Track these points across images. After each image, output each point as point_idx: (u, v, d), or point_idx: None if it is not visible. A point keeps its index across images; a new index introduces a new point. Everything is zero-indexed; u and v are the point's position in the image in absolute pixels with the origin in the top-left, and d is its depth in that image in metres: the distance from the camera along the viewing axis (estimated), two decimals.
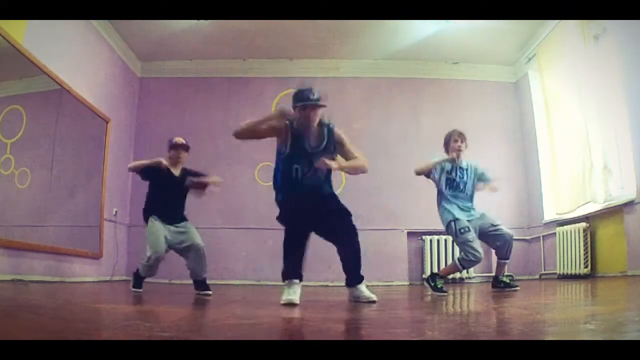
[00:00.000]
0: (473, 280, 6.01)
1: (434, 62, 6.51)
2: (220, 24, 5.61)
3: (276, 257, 6.54)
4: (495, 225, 3.62)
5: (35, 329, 1.30)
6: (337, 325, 1.65)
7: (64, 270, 4.66)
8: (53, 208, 4.66)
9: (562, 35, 5.17)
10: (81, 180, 5.24)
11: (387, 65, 6.56)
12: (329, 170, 2.83)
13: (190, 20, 5.38)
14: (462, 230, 3.46)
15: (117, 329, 1.39)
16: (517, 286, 3.63)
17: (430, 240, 6.00)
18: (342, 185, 6.35)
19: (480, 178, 3.78)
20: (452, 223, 3.54)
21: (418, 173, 3.83)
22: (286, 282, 2.64)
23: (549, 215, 5.75)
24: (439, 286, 3.46)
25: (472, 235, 3.44)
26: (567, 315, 1.84)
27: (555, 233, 5.38)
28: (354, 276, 2.76)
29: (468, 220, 3.55)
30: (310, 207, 2.68)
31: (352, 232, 2.78)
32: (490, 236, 3.61)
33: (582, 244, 4.77)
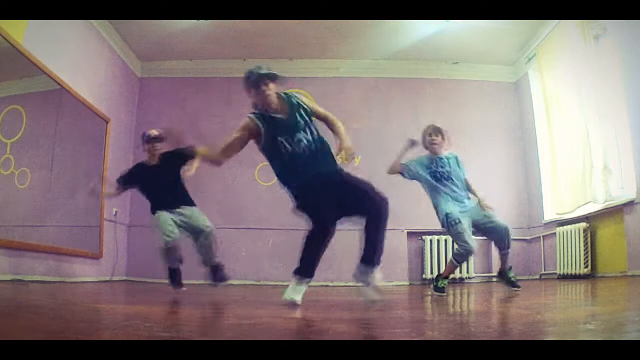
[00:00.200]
0: (473, 280, 6.01)
1: (434, 62, 6.51)
2: (220, 24, 5.61)
3: (276, 257, 6.55)
4: (489, 217, 3.52)
5: (35, 329, 1.30)
6: (337, 325, 1.65)
7: (64, 270, 4.66)
8: (53, 208, 4.66)
9: (562, 35, 5.17)
10: (81, 180, 5.24)
11: (387, 65, 6.56)
12: (328, 148, 2.72)
13: (190, 20, 5.38)
14: (453, 223, 3.41)
15: (117, 329, 1.39)
16: (519, 287, 3.61)
17: (430, 240, 6.00)
18: None
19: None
20: (445, 217, 3.50)
21: (389, 172, 3.83)
22: (296, 277, 2.49)
23: (549, 215, 5.75)
24: (440, 286, 3.46)
25: (462, 227, 3.38)
26: (567, 315, 1.84)
27: (555, 233, 5.38)
28: (365, 257, 2.57)
29: (461, 212, 3.48)
30: (330, 184, 2.55)
31: (379, 206, 2.56)
32: (485, 229, 3.55)
33: (582, 244, 4.77)
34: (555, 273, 5.30)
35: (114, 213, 5.82)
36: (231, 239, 6.06)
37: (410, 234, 6.16)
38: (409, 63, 6.54)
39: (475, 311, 2.24)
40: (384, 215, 2.52)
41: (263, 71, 2.60)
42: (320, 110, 2.84)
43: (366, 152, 6.41)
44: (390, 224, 5.96)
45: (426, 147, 3.75)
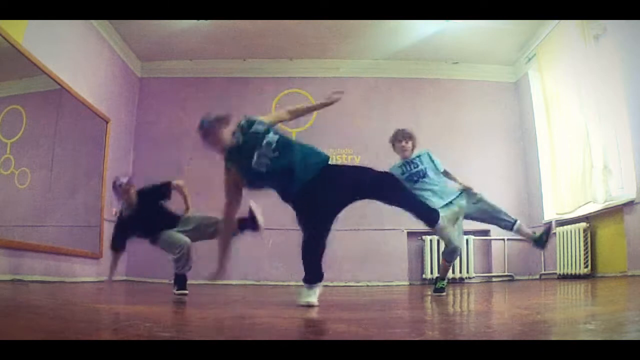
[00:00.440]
0: (473, 280, 6.01)
1: (434, 62, 6.51)
2: (220, 24, 5.62)
3: (276, 257, 6.55)
4: (476, 203, 3.51)
5: (35, 329, 1.30)
6: (337, 325, 1.65)
7: (64, 270, 4.66)
8: (53, 208, 4.66)
9: (562, 35, 5.17)
10: (81, 180, 5.24)
11: (387, 65, 6.56)
12: (305, 151, 2.63)
13: (190, 20, 5.38)
14: None
15: (117, 329, 1.39)
16: (546, 241, 3.45)
17: (431, 240, 6.00)
18: None
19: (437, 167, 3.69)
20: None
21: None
22: (307, 285, 2.49)
23: (549, 215, 5.75)
24: (438, 287, 3.47)
25: (443, 224, 3.36)
26: (567, 315, 1.84)
27: (555, 233, 5.38)
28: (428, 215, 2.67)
29: (446, 205, 3.41)
30: (320, 186, 2.49)
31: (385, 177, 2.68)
32: (479, 216, 3.53)
33: (582, 244, 4.77)
34: (555, 273, 5.30)
35: (114, 213, 5.82)
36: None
37: (410, 234, 6.16)
38: (409, 63, 6.54)
39: (475, 311, 2.24)
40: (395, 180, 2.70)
41: (211, 119, 2.58)
42: (276, 115, 2.80)
43: (366, 152, 6.41)
44: (390, 224, 6.04)
45: (397, 153, 3.70)
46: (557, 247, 5.29)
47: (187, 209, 3.85)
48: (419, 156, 3.65)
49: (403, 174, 3.60)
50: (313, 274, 2.51)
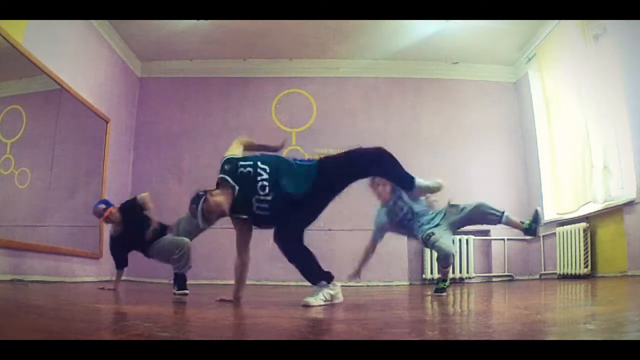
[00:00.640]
0: (473, 281, 6.01)
1: (434, 62, 6.51)
2: (220, 24, 5.62)
3: (276, 257, 6.54)
4: (459, 209, 3.53)
5: (36, 329, 1.30)
6: (337, 325, 1.65)
7: (64, 270, 4.66)
8: (53, 208, 4.66)
9: (562, 35, 5.17)
10: (81, 180, 5.24)
11: (387, 65, 6.56)
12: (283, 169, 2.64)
13: (190, 20, 5.38)
14: (427, 237, 3.39)
15: (117, 329, 1.39)
16: (536, 227, 3.47)
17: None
18: None
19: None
20: (421, 240, 3.47)
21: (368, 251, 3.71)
22: (319, 285, 2.57)
23: (549, 215, 5.75)
24: (440, 287, 3.47)
25: (435, 236, 3.36)
26: (567, 315, 1.84)
27: (555, 233, 5.38)
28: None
29: (435, 226, 3.46)
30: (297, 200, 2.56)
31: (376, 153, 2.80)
32: (467, 219, 3.54)
33: (582, 244, 4.77)
34: (555, 273, 5.30)
35: None
36: (231, 239, 6.05)
37: None
38: (409, 63, 6.54)
39: (475, 311, 2.24)
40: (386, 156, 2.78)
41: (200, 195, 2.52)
42: (236, 145, 2.80)
43: None
44: None
45: (378, 198, 3.63)
46: (557, 247, 5.29)
47: (149, 220, 3.80)
48: (399, 197, 3.58)
49: (392, 220, 3.56)
50: (317, 276, 2.60)
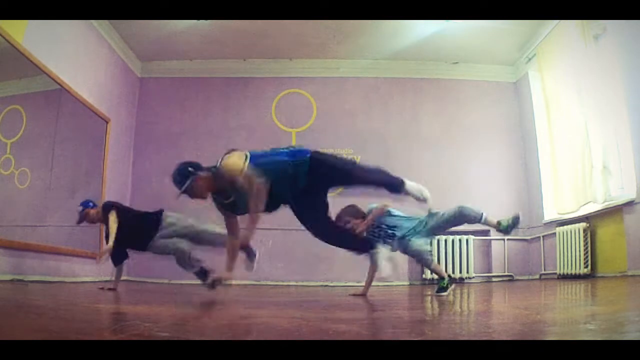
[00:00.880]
0: (473, 281, 6.01)
1: (434, 62, 6.51)
2: (220, 24, 5.62)
3: (276, 257, 6.55)
4: (436, 217, 3.58)
5: (36, 329, 1.30)
6: (337, 325, 1.65)
7: (64, 270, 4.66)
8: (53, 208, 4.66)
9: (562, 35, 5.17)
10: (81, 180, 5.24)
11: (387, 65, 6.56)
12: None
13: (190, 20, 5.38)
14: (404, 246, 3.50)
15: (117, 329, 1.39)
16: (515, 225, 3.49)
17: (430, 240, 6.00)
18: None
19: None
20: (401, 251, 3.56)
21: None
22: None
23: (549, 215, 5.75)
24: (440, 286, 3.47)
25: (409, 242, 3.47)
26: (567, 315, 1.84)
27: (555, 233, 5.38)
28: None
29: (413, 234, 3.55)
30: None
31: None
32: (448, 225, 3.60)
33: (582, 244, 4.77)
34: (555, 273, 5.30)
35: None
36: None
37: None
38: (409, 63, 6.54)
39: (475, 311, 2.24)
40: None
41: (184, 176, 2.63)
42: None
43: (366, 152, 6.41)
44: None
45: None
46: (557, 247, 5.29)
47: (141, 215, 3.84)
48: (376, 222, 3.64)
49: (385, 240, 3.57)
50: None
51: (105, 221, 3.74)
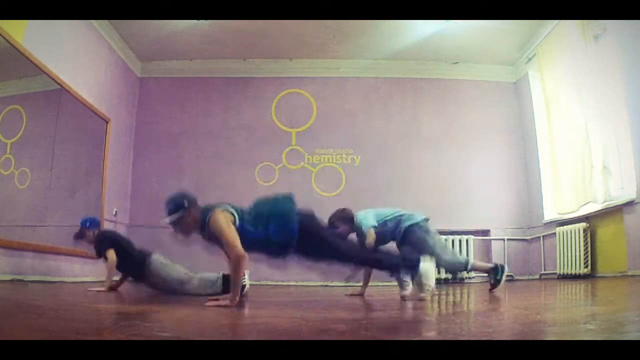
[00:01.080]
0: (473, 281, 6.01)
1: (434, 62, 6.52)
2: (220, 24, 5.62)
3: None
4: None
5: (36, 329, 1.30)
6: (337, 325, 1.65)
7: (64, 270, 4.66)
8: (53, 208, 4.66)
9: (562, 35, 5.17)
10: (81, 180, 5.24)
11: (387, 65, 6.56)
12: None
13: (190, 20, 5.38)
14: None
15: (117, 329, 1.39)
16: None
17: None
18: (341, 186, 6.35)
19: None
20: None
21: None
22: None
23: (549, 215, 5.75)
24: (497, 279, 3.55)
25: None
26: (567, 315, 1.84)
27: (555, 233, 5.38)
28: None
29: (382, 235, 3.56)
30: None
31: None
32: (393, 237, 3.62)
33: (582, 244, 4.77)
34: (555, 273, 5.30)
35: (114, 213, 5.82)
36: None
37: None
38: (409, 63, 6.54)
39: (475, 311, 2.24)
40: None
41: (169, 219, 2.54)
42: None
43: (366, 152, 6.42)
44: None
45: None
46: (557, 247, 5.29)
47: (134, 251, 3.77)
48: (358, 227, 3.56)
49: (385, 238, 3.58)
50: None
51: (100, 254, 3.74)
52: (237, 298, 2.38)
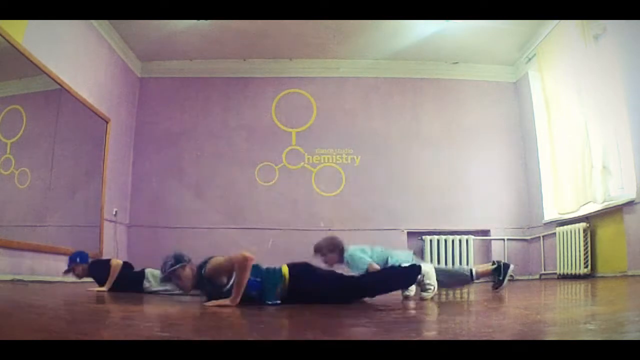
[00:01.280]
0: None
1: (434, 62, 6.52)
2: (220, 24, 5.62)
3: (276, 257, 6.54)
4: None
5: (36, 329, 1.30)
6: (337, 325, 1.65)
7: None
8: (53, 208, 4.66)
9: (562, 35, 5.17)
10: (81, 180, 5.24)
11: (387, 65, 6.56)
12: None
13: (190, 20, 5.38)
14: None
15: (117, 329, 1.39)
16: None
17: (430, 240, 6.00)
18: (341, 186, 6.35)
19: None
20: None
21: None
22: None
23: (549, 215, 5.75)
24: (498, 279, 3.47)
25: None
26: (567, 315, 1.84)
27: (555, 233, 5.38)
28: None
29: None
30: None
31: None
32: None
33: (582, 244, 4.77)
34: (555, 273, 5.30)
35: (114, 213, 5.82)
36: (231, 239, 6.06)
37: (410, 234, 6.16)
38: (409, 63, 6.54)
39: (475, 311, 2.24)
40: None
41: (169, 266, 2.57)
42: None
43: (366, 152, 6.41)
44: (390, 224, 6.01)
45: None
46: (557, 247, 5.29)
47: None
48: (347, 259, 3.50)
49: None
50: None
51: (101, 280, 3.80)
52: (238, 299, 2.38)
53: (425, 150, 6.42)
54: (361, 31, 5.84)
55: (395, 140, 6.46)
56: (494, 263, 3.47)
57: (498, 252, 6.16)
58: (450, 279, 3.50)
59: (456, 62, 6.52)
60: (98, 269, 3.86)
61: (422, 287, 2.93)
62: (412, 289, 3.13)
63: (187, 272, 2.61)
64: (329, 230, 6.13)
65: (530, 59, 6.06)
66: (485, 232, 6.21)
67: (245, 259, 2.46)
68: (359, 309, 2.29)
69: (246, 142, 6.46)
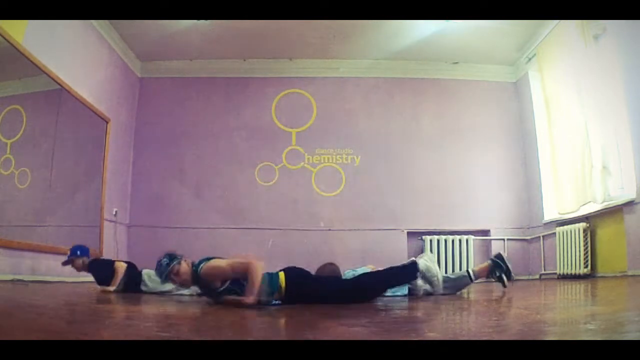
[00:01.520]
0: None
1: (434, 62, 6.51)
2: (220, 24, 5.61)
3: (276, 257, 6.55)
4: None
5: (36, 329, 1.30)
6: (337, 325, 1.65)
7: (64, 270, 4.65)
8: (53, 208, 4.66)
9: (562, 35, 5.17)
10: (81, 180, 5.24)
11: (387, 65, 6.56)
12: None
13: (190, 20, 5.38)
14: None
15: (117, 329, 1.39)
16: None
17: (430, 240, 6.00)
18: (341, 186, 6.35)
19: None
20: None
21: None
22: None
23: (549, 215, 5.75)
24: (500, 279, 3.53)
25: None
26: (567, 315, 1.84)
27: (555, 233, 5.38)
28: None
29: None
30: None
31: None
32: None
33: (582, 244, 4.77)
34: (555, 273, 5.30)
35: (114, 213, 5.82)
36: (231, 238, 6.07)
37: (410, 234, 6.16)
38: (409, 63, 6.54)
39: (476, 311, 2.24)
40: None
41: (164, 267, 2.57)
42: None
43: (366, 152, 6.41)
44: (390, 224, 6.00)
45: None
46: (557, 247, 5.29)
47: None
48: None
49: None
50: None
51: (102, 280, 3.81)
52: (252, 298, 2.42)
53: (425, 150, 6.42)
54: (361, 31, 5.84)
55: (395, 140, 6.46)
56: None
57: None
58: (454, 285, 3.53)
59: (456, 62, 6.52)
60: (99, 268, 3.87)
61: (427, 280, 2.96)
62: (436, 281, 3.13)
63: (184, 267, 2.61)
64: (329, 230, 6.14)
65: (530, 59, 6.06)
66: (485, 232, 6.21)
67: (253, 266, 2.54)
68: (359, 309, 2.29)
69: (246, 142, 6.46)
